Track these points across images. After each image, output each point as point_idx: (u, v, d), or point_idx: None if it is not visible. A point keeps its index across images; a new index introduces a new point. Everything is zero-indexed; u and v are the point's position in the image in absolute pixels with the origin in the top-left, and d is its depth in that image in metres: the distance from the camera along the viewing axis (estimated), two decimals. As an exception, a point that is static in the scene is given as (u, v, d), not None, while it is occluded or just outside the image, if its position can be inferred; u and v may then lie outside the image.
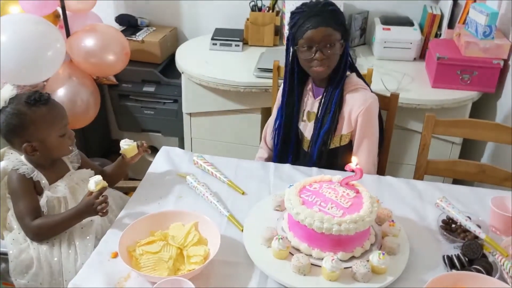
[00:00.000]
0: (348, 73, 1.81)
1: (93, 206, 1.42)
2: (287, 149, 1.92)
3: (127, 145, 1.63)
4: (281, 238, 1.31)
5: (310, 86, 1.84)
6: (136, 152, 1.65)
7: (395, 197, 1.61)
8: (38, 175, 1.49)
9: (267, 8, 2.74)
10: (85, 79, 2.60)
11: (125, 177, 1.72)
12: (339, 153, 1.82)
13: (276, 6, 2.76)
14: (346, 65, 1.75)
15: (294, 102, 1.85)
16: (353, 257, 1.32)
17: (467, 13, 2.35)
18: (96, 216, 1.48)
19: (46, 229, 1.47)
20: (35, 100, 1.43)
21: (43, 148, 1.46)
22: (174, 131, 2.89)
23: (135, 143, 1.64)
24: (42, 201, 1.48)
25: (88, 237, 1.47)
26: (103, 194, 1.44)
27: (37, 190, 1.50)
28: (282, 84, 1.87)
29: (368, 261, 1.28)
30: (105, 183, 1.46)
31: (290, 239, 1.36)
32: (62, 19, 2.59)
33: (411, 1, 2.68)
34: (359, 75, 1.83)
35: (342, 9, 1.76)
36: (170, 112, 2.84)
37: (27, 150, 1.45)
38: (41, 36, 2.35)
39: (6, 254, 1.47)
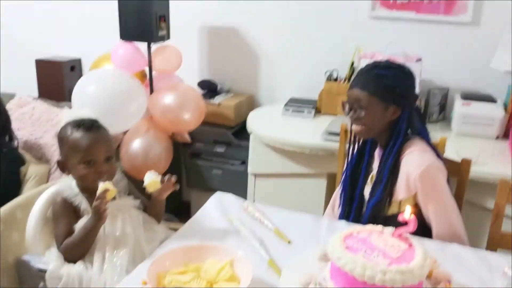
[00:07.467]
0: (413, 136, 1.70)
1: (95, 209, 1.43)
2: (349, 213, 1.81)
3: (148, 179, 1.52)
4: (319, 284, 1.20)
5: (377, 149, 1.77)
6: (158, 187, 1.54)
7: (458, 264, 1.42)
8: (79, 200, 1.54)
9: (343, 80, 2.76)
10: (161, 134, 2.72)
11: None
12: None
13: (352, 77, 2.77)
14: (401, 130, 1.64)
15: (362, 168, 1.77)
16: (398, 316, 1.16)
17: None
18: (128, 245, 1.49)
19: (71, 246, 1.48)
20: (79, 125, 1.54)
21: (70, 170, 1.55)
22: (240, 192, 2.86)
23: (159, 178, 1.55)
24: (78, 225, 1.51)
25: (118, 263, 1.46)
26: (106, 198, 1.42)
27: (77, 214, 1.54)
28: (351, 149, 1.81)
29: (415, 321, 1.12)
30: (110, 186, 1.44)
31: (330, 289, 1.23)
32: (148, 78, 2.79)
33: (495, 78, 2.57)
34: (428, 140, 1.70)
35: (418, 86, 1.68)
36: (237, 173, 2.85)
37: (58, 165, 1.57)
38: (127, 89, 2.54)
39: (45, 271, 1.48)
